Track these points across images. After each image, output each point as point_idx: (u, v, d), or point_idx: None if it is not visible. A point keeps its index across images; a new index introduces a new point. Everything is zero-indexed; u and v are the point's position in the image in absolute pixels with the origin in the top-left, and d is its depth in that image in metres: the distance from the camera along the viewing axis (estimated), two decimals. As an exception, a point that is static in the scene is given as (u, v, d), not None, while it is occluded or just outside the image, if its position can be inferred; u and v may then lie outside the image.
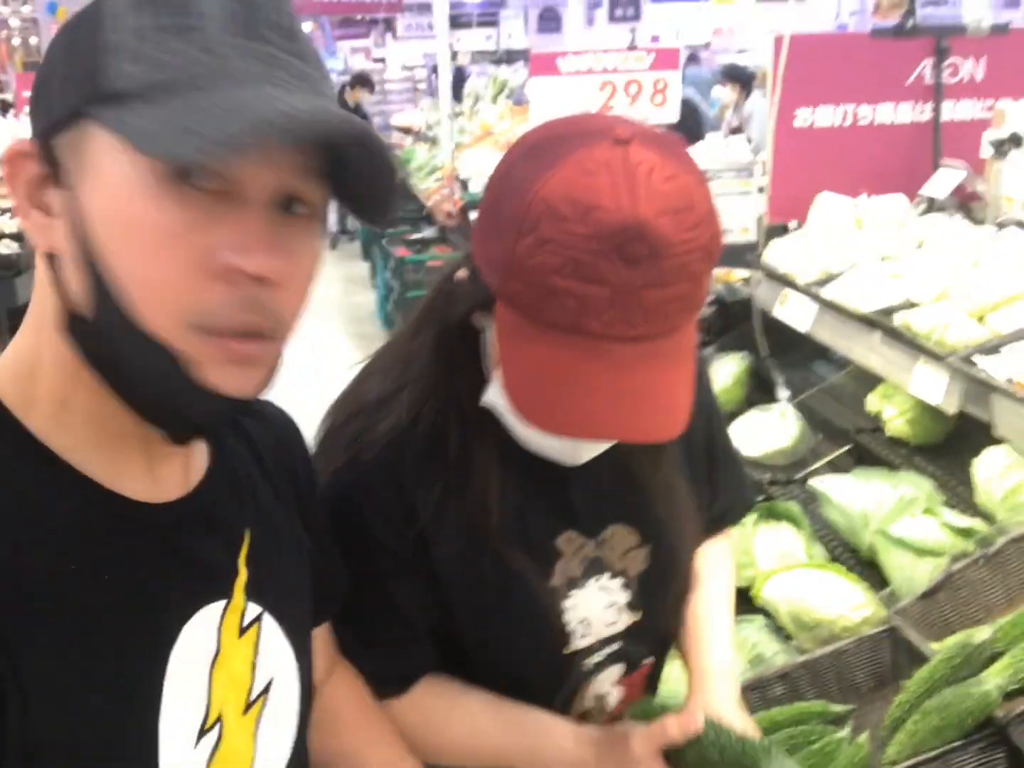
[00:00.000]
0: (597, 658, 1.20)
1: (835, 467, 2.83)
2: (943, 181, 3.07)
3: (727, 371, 3.18)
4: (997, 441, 2.19)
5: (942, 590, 2.00)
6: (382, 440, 1.09)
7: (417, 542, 1.10)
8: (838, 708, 1.91)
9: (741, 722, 1.21)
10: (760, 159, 3.59)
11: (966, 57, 3.16)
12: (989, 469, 2.21)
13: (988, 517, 2.21)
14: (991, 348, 2.21)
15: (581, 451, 1.10)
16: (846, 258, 2.90)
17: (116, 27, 0.66)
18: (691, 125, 5.88)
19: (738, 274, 3.47)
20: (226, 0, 0.68)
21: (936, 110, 3.13)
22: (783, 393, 3.06)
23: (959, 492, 2.40)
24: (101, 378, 0.71)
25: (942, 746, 1.65)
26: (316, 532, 0.98)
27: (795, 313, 2.91)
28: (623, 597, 1.20)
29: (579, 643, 1.18)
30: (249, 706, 0.81)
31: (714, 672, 1.26)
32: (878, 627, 2.05)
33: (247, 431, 0.91)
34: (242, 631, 0.81)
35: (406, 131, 9.26)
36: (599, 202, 0.87)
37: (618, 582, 1.19)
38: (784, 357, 3.22)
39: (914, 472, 2.46)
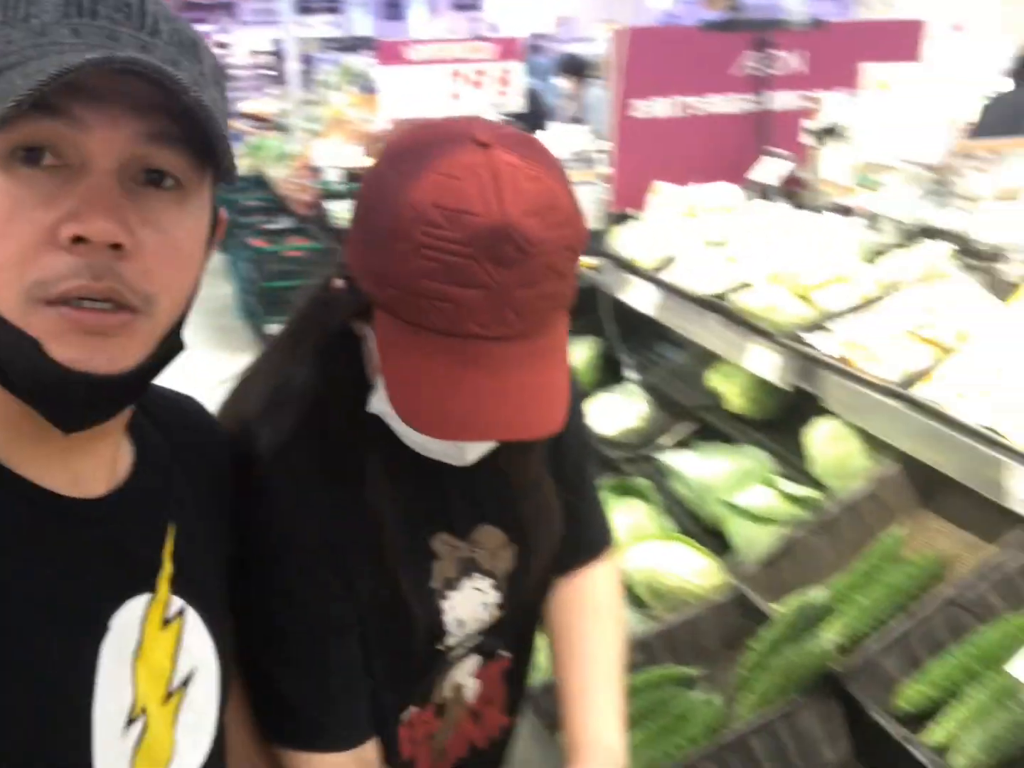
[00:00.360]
0: (459, 651, 1.23)
1: (681, 443, 2.97)
2: (769, 169, 3.24)
3: (578, 356, 3.28)
4: (826, 413, 2.35)
5: (782, 555, 2.15)
6: (267, 456, 1.07)
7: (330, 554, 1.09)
8: (691, 671, 2.03)
9: None
10: (601, 148, 3.71)
11: (789, 50, 3.35)
12: (818, 441, 2.37)
13: (820, 486, 2.37)
14: (818, 325, 2.37)
15: (467, 451, 1.11)
16: (683, 244, 3.04)
17: None
18: (535, 115, 5.98)
19: (586, 261, 3.58)
20: None
21: (760, 101, 3.30)
22: (631, 375, 3.18)
23: (793, 463, 2.56)
24: None
25: (786, 701, 1.79)
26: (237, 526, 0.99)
27: (640, 298, 3.03)
28: (494, 597, 1.22)
29: (451, 640, 1.20)
30: (168, 696, 0.82)
31: (591, 746, 1.25)
32: (725, 593, 2.19)
33: (165, 425, 0.91)
34: (165, 623, 0.82)
35: (255, 119, 9.06)
36: (468, 207, 0.90)
37: (489, 582, 1.21)
38: (632, 340, 3.35)
39: (752, 445, 2.61)
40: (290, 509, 1.07)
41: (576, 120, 5.53)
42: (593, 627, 1.35)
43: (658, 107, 3.19)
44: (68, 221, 0.67)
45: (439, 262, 0.90)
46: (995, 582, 1.75)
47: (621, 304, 3.18)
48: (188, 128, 0.70)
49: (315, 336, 1.09)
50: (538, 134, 5.52)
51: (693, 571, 2.27)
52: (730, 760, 1.78)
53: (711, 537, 2.45)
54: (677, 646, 2.13)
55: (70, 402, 0.71)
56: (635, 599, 2.37)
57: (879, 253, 2.65)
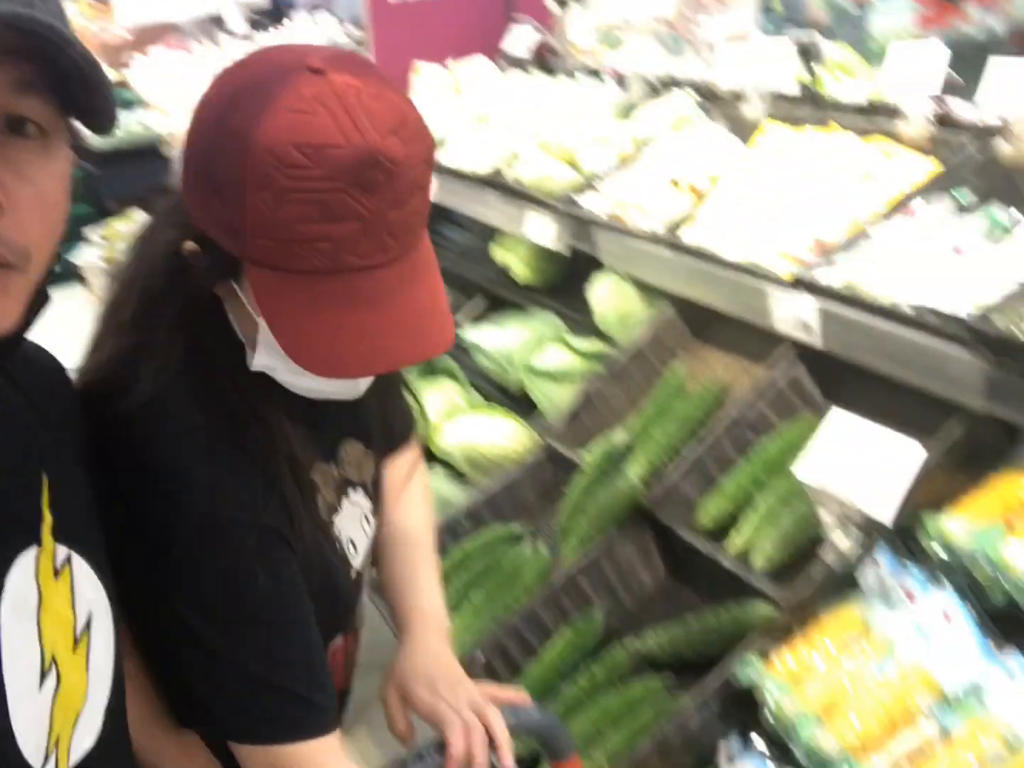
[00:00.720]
0: (363, 572, 1.23)
1: (474, 317, 3.07)
2: (518, 38, 3.30)
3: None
4: (604, 269, 2.49)
5: (582, 408, 2.30)
6: (164, 443, 0.99)
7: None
8: (516, 528, 2.18)
9: (448, 657, 1.25)
10: (349, 35, 3.65)
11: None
12: (600, 296, 2.51)
13: (607, 338, 2.52)
14: (587, 188, 2.48)
15: (361, 384, 1.08)
16: (450, 123, 3.08)
17: None
18: (277, 8, 5.75)
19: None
20: None
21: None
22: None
23: (581, 321, 2.70)
24: None
25: (604, 538, 1.95)
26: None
27: (414, 183, 3.06)
28: (368, 505, 1.21)
29: (355, 562, 1.18)
30: (76, 642, 0.82)
31: (420, 613, 1.29)
32: (536, 452, 2.33)
33: (18, 376, 0.87)
34: (56, 573, 0.81)
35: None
36: (327, 140, 0.86)
37: (361, 493, 1.20)
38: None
39: (541, 310, 2.74)
40: (206, 487, 0.98)
41: (316, 8, 5.38)
42: (407, 513, 1.38)
43: (411, -11, 3.18)
44: None
45: (310, 203, 0.87)
46: (769, 399, 1.95)
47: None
48: (50, 73, 0.66)
49: (176, 307, 1.00)
50: (283, 24, 5.33)
51: (506, 437, 2.39)
52: (562, 600, 1.94)
53: (518, 402, 2.58)
54: (501, 508, 2.27)
55: None
56: (456, 473, 2.48)
57: (632, 108, 2.77)
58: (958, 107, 2.03)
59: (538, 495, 2.31)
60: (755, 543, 1.75)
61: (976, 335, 1.46)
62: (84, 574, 0.85)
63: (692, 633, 1.71)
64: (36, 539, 0.80)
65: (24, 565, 0.78)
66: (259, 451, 1.02)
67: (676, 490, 1.92)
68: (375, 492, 1.24)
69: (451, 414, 2.57)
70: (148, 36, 5.32)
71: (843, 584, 1.62)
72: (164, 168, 3.61)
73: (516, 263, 2.89)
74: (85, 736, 0.83)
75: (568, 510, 2.02)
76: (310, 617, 1.05)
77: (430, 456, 2.55)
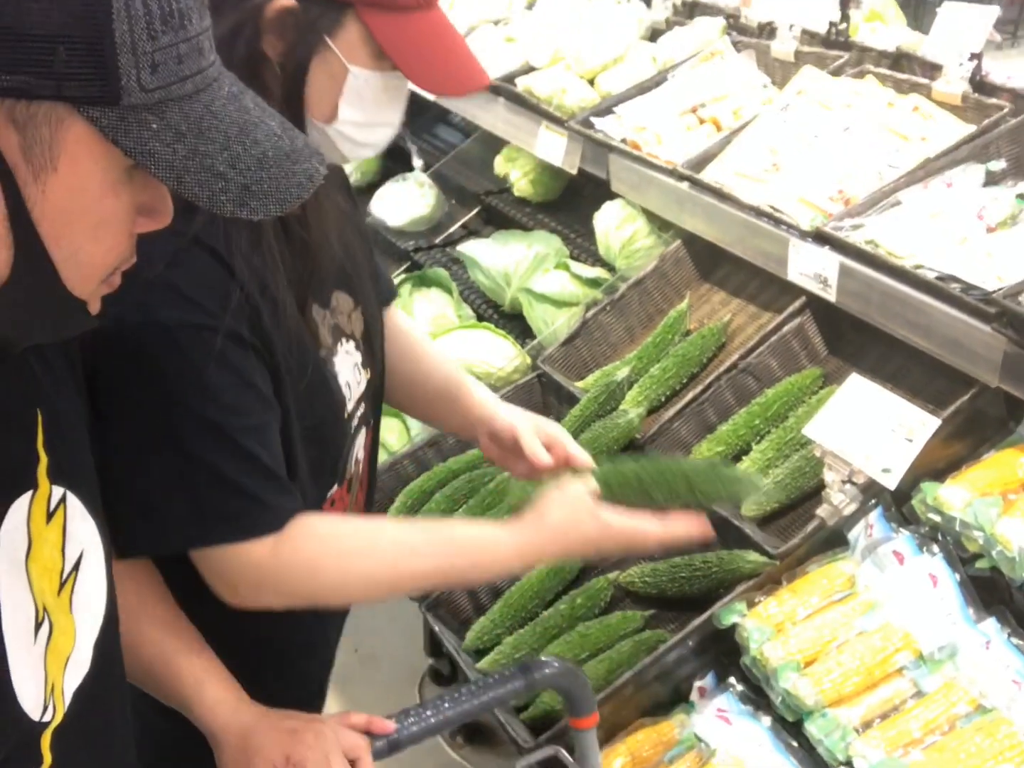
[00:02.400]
0: (355, 421, 1.27)
1: (468, 229, 3.02)
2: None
3: (361, 145, 3.21)
4: (612, 195, 2.45)
5: (579, 336, 2.29)
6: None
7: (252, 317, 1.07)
8: (504, 450, 2.17)
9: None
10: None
11: None
12: (607, 223, 2.47)
13: (609, 266, 2.50)
14: (605, 110, 2.43)
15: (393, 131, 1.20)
16: (464, 21, 2.97)
17: (129, 15, 0.61)
18: None
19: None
20: None
21: None
22: (417, 162, 3.16)
23: (582, 244, 2.67)
24: None
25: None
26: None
27: (421, 82, 2.97)
28: (359, 357, 1.27)
29: (349, 406, 1.24)
30: (62, 586, 0.82)
31: (498, 404, 1.42)
32: (528, 374, 2.32)
33: None
34: (49, 517, 0.81)
35: None
36: None
37: (352, 344, 1.26)
38: (413, 124, 3.30)
39: (543, 231, 2.70)
40: (183, 302, 1.02)
41: None
42: (427, 343, 1.52)
43: None
44: (145, 218, 0.72)
45: None
46: (774, 348, 1.95)
47: (401, 89, 3.11)
48: None
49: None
50: None
51: (497, 356, 2.37)
52: (547, 526, 1.95)
53: (510, 322, 2.55)
54: (488, 427, 2.26)
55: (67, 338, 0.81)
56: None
57: (657, 31, 2.70)
58: (996, 71, 2.01)
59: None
60: (748, 490, 1.76)
61: (1003, 312, 1.46)
62: (77, 512, 0.85)
63: (677, 571, 1.73)
64: (32, 482, 0.79)
65: (18, 512, 0.77)
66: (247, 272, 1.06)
67: (671, 429, 1.93)
68: (366, 347, 1.29)
69: (439, 326, 2.54)
70: None
71: (834, 541, 1.65)
72: None
73: (519, 177, 2.84)
74: (74, 675, 0.83)
75: (561, 438, 2.02)
76: (271, 424, 1.09)
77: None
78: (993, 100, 1.94)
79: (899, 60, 2.16)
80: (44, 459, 0.80)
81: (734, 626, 1.57)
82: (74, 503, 0.84)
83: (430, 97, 2.95)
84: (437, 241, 2.94)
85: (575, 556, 1.28)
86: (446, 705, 1.14)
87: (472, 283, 2.67)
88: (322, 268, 1.18)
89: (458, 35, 1.15)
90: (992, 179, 1.81)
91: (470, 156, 3.16)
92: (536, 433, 1.37)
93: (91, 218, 0.67)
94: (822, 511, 1.62)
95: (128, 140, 0.63)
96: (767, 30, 2.44)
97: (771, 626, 1.55)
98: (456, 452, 2.19)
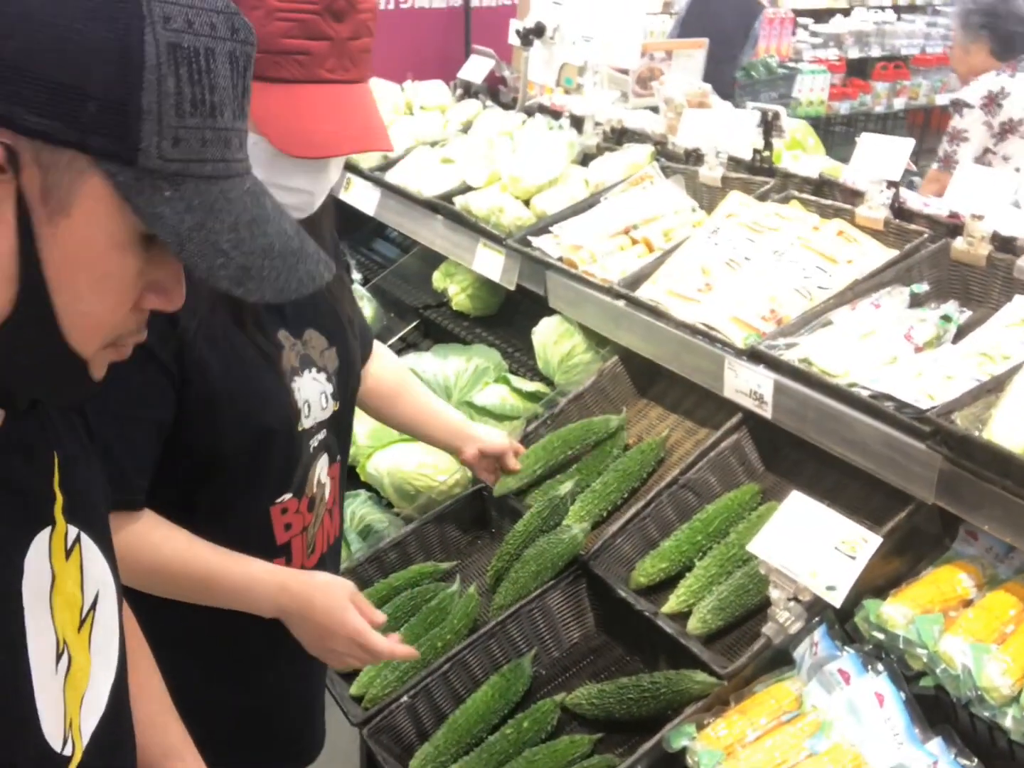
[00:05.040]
0: (315, 442, 1.44)
1: (406, 342, 3.04)
2: (475, 67, 3.30)
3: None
4: (549, 311, 2.50)
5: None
6: None
7: (176, 347, 1.25)
8: (446, 566, 2.15)
9: None
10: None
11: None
12: (545, 337, 2.51)
13: (547, 380, 2.53)
14: (541, 229, 2.49)
15: (316, 198, 1.34)
16: (401, 143, 3.04)
17: (159, 90, 0.67)
18: None
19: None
20: (231, 72, 0.72)
21: (467, -4, 3.33)
22: (356, 275, 3.19)
23: (520, 359, 2.70)
24: None
25: (538, 587, 1.94)
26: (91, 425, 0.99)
27: (360, 197, 3.03)
28: (328, 388, 1.45)
29: (306, 423, 1.41)
30: (82, 623, 0.85)
31: (468, 426, 1.97)
32: (468, 488, 2.31)
33: None
34: (67, 553, 0.84)
35: None
36: None
37: (323, 376, 1.45)
38: (351, 239, 3.34)
39: (482, 344, 2.73)
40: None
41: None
42: (417, 386, 1.94)
43: (367, 1, 3.13)
44: (155, 295, 0.76)
45: (293, 21, 1.17)
46: (712, 464, 1.98)
47: (340, 203, 3.16)
48: None
49: None
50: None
51: (437, 470, 2.36)
52: (491, 647, 1.92)
53: (449, 435, 2.55)
54: (429, 543, 2.24)
55: (72, 405, 0.88)
56: (384, 501, 2.44)
57: (588, 155, 2.79)
58: (912, 199, 2.12)
59: (465, 533, 2.29)
60: (692, 606, 1.77)
61: (937, 430, 1.51)
62: (91, 553, 0.88)
63: (625, 693, 1.71)
64: (51, 518, 0.82)
65: (40, 546, 0.80)
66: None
67: (613, 545, 1.93)
68: (338, 382, 1.48)
69: (379, 440, 2.53)
70: None
71: (779, 659, 1.66)
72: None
73: (457, 292, 2.88)
74: (90, 716, 0.85)
75: (504, 555, 2.01)
76: (152, 423, 1.27)
77: (354, 479, 2.51)
78: (913, 226, 2.04)
79: (822, 187, 2.27)
80: (60, 498, 0.84)
81: (684, 749, 1.56)
82: (88, 543, 0.87)
83: (369, 212, 3.01)
84: (374, 354, 2.95)
85: (310, 632, 1.41)
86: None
87: (411, 397, 2.67)
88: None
89: (364, 106, 1.26)
90: (916, 301, 1.89)
91: (408, 271, 3.20)
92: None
93: (96, 270, 0.71)
94: (768, 629, 1.62)
95: (140, 199, 0.68)
96: (694, 156, 2.55)
97: (721, 749, 1.54)
98: (398, 568, 2.16)
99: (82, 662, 0.84)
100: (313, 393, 1.42)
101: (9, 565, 0.76)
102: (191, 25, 0.68)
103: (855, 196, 2.17)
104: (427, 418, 1.93)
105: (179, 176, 0.69)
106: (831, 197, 2.23)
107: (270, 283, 0.73)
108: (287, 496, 1.41)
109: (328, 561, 1.56)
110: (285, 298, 0.73)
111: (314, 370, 1.42)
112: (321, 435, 1.45)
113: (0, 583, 0.75)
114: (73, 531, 0.85)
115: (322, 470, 1.47)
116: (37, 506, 0.81)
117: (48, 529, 0.81)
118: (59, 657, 0.80)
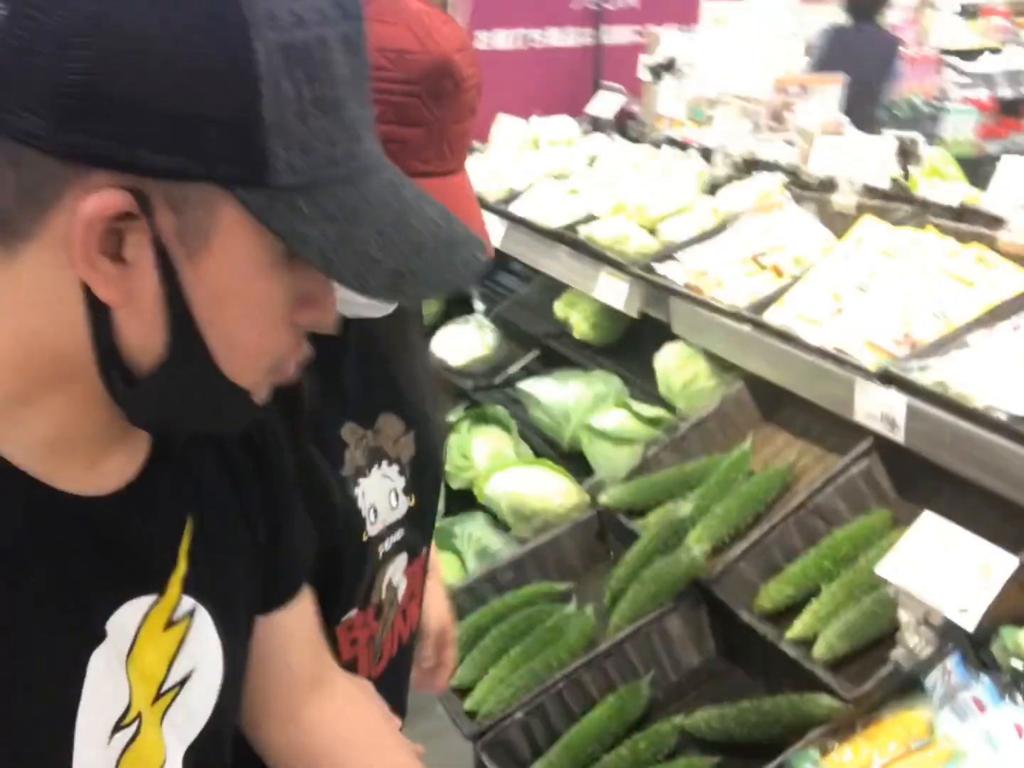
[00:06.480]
0: (386, 546, 1.26)
1: (528, 371, 3.06)
2: (604, 102, 3.34)
3: (424, 287, 3.31)
4: (671, 337, 2.48)
5: (639, 473, 2.28)
6: None
7: None
8: (561, 587, 2.14)
9: None
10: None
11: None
12: (668, 363, 2.50)
13: (669, 407, 2.51)
14: (666, 256, 2.49)
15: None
16: (527, 176, 3.09)
17: (278, 99, 0.61)
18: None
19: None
20: (347, 57, 0.66)
21: (597, 34, 3.38)
22: (479, 305, 3.24)
23: (642, 386, 2.69)
24: (128, 413, 0.71)
25: (656, 608, 1.92)
26: (283, 505, 0.93)
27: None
28: (400, 483, 1.26)
29: (371, 530, 1.22)
30: (158, 697, 0.79)
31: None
32: (586, 511, 2.30)
33: None
34: (169, 625, 0.79)
35: None
36: (407, 46, 0.96)
37: (395, 468, 1.25)
38: (475, 271, 3.39)
39: (603, 371, 2.73)
40: None
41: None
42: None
43: (500, 39, 3.22)
44: (308, 314, 0.72)
45: (387, 104, 0.94)
46: (841, 489, 1.93)
47: (466, 235, 3.22)
48: None
49: None
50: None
51: (555, 492, 2.37)
52: (607, 667, 1.90)
53: (569, 460, 2.55)
54: (545, 564, 2.23)
55: (232, 430, 0.83)
56: (501, 523, 2.45)
57: (716, 185, 2.78)
58: (1057, 224, 2.04)
59: (582, 556, 2.27)
60: (818, 632, 1.72)
61: (1082, 451, 1.44)
62: (203, 630, 0.82)
63: (745, 716, 1.67)
64: (158, 588, 0.77)
65: (131, 612, 0.75)
66: None
67: (736, 569, 1.89)
68: (412, 473, 1.28)
69: (497, 463, 2.54)
70: None
71: (908, 686, 1.59)
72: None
73: (579, 321, 2.89)
74: None
75: (622, 576, 1.99)
76: None
77: (472, 502, 2.53)
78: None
79: (962, 214, 2.20)
80: (183, 568, 0.79)
81: (807, 774, 1.50)
82: (203, 619, 0.82)
83: (494, 244, 3.06)
84: (497, 381, 2.98)
85: None
86: None
87: (530, 421, 2.69)
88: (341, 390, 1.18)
89: (462, 201, 1.02)
90: (1059, 326, 1.81)
91: (530, 301, 3.23)
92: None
93: (244, 300, 0.67)
94: (897, 654, 1.56)
95: (277, 222, 0.63)
96: (827, 185, 2.51)
97: (846, 776, 1.48)
98: (513, 586, 2.16)
99: (151, 737, 0.79)
100: (380, 494, 1.24)
101: (89, 627, 0.72)
102: (299, 18, 0.62)
103: (996, 223, 2.10)
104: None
105: (312, 186, 0.64)
106: (971, 224, 2.17)
107: (426, 282, 0.69)
108: (352, 612, 1.24)
109: (399, 665, 1.36)
110: (442, 292, 0.71)
111: (384, 463, 1.24)
112: (395, 537, 1.27)
113: (70, 644, 0.71)
114: (188, 603, 0.80)
115: (395, 573, 1.29)
116: (144, 571, 0.76)
117: (151, 597, 0.77)
118: (118, 727, 0.75)
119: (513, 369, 3.01)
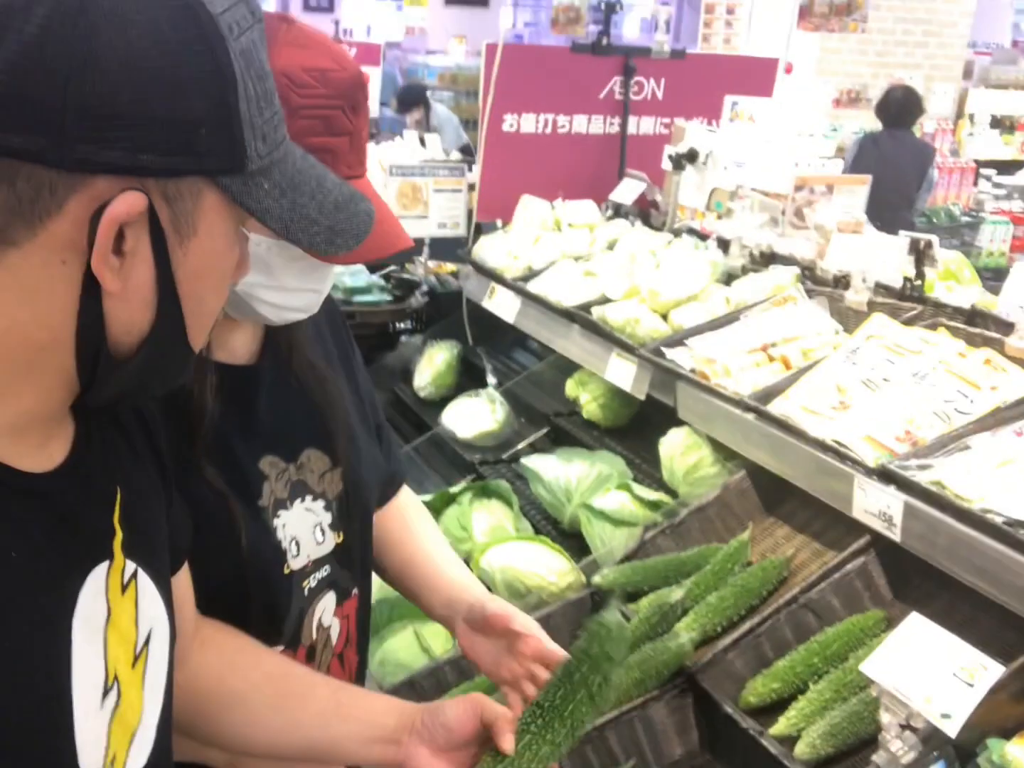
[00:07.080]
0: (312, 582, 1.26)
1: (535, 447, 3.05)
2: (627, 189, 3.38)
3: (440, 358, 3.33)
4: (678, 423, 2.48)
5: (636, 556, 2.25)
6: None
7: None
8: (549, 667, 2.10)
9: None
10: (455, 158, 3.77)
11: (648, 77, 3.50)
12: (672, 448, 2.49)
13: (671, 491, 2.49)
14: (676, 341, 2.49)
15: (320, 297, 1.21)
16: (546, 256, 3.13)
17: (246, 97, 0.71)
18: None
19: (449, 267, 3.64)
20: (264, 53, 0.76)
21: (623, 124, 3.44)
22: (491, 380, 3.25)
23: (646, 469, 2.68)
24: (96, 383, 0.75)
25: (641, 695, 1.88)
26: (168, 475, 0.99)
27: (502, 305, 3.11)
28: (326, 518, 1.27)
29: (294, 563, 1.23)
30: (136, 660, 0.84)
31: (466, 586, 1.39)
32: (580, 591, 2.27)
33: None
34: (124, 588, 0.84)
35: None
36: (327, 65, 1.07)
37: (320, 504, 1.27)
38: (490, 345, 3.42)
39: (608, 452, 2.72)
40: None
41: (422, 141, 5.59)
42: (425, 530, 1.51)
43: (525, 123, 3.28)
44: (239, 270, 0.82)
45: (317, 118, 1.06)
46: (836, 587, 1.89)
47: (482, 310, 3.25)
48: None
49: None
50: (395, 141, 5.54)
51: (551, 570, 2.34)
52: (586, 752, 1.85)
53: (568, 539, 2.53)
54: (534, 643, 2.19)
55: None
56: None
57: (732, 276, 2.80)
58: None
59: (573, 635, 2.23)
60: (801, 730, 1.67)
61: (1076, 560, 1.41)
62: (147, 589, 0.88)
63: (722, 814, 1.62)
64: (109, 553, 0.83)
65: (96, 580, 0.80)
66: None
67: (724, 660, 1.86)
68: (340, 510, 1.28)
69: (497, 538, 2.52)
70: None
71: (892, 793, 1.54)
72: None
73: (589, 400, 2.89)
74: (139, 754, 0.85)
75: (609, 658, 1.95)
76: None
77: (468, 575, 2.50)
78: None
79: (973, 317, 2.20)
80: (119, 533, 0.84)
81: None
82: (144, 580, 0.87)
83: (509, 320, 3.09)
84: (504, 456, 2.97)
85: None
86: None
87: (533, 498, 2.68)
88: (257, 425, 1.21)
89: (376, 200, 1.11)
90: (1063, 433, 1.80)
91: (542, 378, 3.24)
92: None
93: (218, 273, 0.78)
94: (879, 758, 1.52)
95: (250, 201, 0.74)
96: (842, 282, 2.52)
97: None
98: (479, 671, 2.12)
99: (133, 699, 0.84)
100: (303, 528, 1.24)
101: (62, 598, 0.77)
102: (240, 25, 0.72)
103: (1006, 327, 2.10)
104: (426, 571, 1.45)
105: (269, 167, 0.74)
106: (982, 328, 2.17)
107: (350, 233, 0.79)
108: (278, 649, 1.22)
109: None
110: (360, 242, 0.80)
111: (309, 498, 1.25)
112: (322, 573, 1.26)
113: (51, 615, 0.75)
114: (131, 566, 0.85)
115: (324, 612, 1.28)
116: (95, 540, 0.82)
117: (106, 563, 0.82)
118: (106, 692, 0.80)
119: (521, 445, 3.01)
